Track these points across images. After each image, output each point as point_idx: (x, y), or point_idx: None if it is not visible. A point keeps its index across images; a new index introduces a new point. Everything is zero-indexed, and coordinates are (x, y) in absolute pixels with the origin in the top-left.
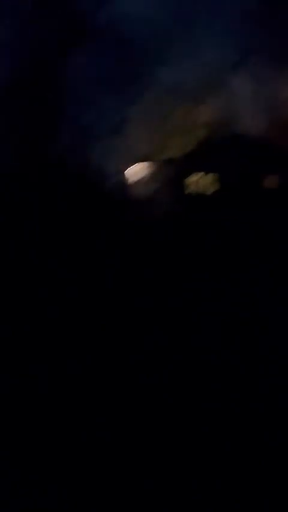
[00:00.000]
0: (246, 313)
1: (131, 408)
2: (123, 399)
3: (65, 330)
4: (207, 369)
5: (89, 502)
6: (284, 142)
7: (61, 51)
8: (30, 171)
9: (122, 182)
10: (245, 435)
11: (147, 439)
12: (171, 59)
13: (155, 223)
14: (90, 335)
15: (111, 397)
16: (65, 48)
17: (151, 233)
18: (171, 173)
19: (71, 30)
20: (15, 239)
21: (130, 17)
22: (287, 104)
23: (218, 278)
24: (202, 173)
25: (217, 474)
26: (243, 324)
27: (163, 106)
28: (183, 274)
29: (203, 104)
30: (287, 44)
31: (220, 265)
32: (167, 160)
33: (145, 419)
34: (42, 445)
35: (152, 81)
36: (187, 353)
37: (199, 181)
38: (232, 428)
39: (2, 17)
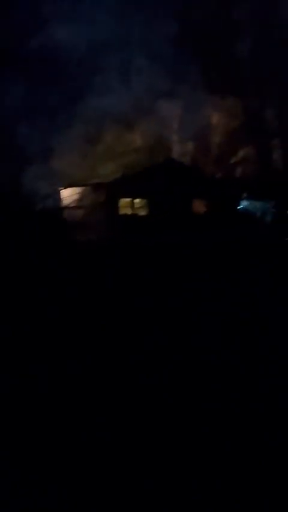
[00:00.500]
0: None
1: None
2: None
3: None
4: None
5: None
6: (210, 167)
7: None
8: None
9: (54, 206)
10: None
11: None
12: (102, 85)
13: (87, 245)
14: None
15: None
16: None
17: (83, 254)
18: (103, 196)
19: (2, 56)
20: None
21: (61, 44)
22: (212, 131)
23: (145, 296)
24: (134, 196)
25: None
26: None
27: (94, 131)
28: (111, 292)
29: (134, 129)
30: (214, 73)
31: (149, 284)
32: (98, 184)
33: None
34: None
35: (83, 107)
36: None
37: (131, 204)
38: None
39: None
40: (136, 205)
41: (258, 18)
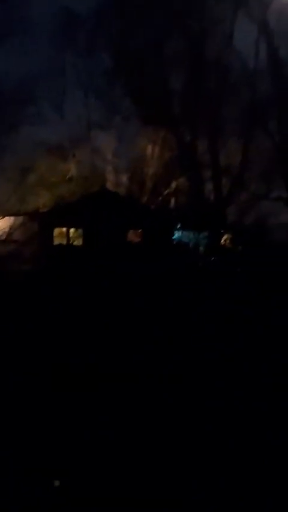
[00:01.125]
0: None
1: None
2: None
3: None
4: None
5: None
6: (145, 198)
7: None
8: None
9: None
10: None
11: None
12: (36, 115)
13: (20, 276)
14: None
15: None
16: None
17: (17, 284)
18: (37, 226)
19: None
20: None
21: None
22: (146, 162)
23: (80, 325)
24: (68, 226)
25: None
26: None
27: (28, 161)
28: (45, 322)
29: (68, 159)
30: (148, 106)
31: (83, 312)
32: (32, 214)
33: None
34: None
35: (17, 136)
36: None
37: (65, 234)
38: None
39: None
40: (71, 235)
41: (190, 53)
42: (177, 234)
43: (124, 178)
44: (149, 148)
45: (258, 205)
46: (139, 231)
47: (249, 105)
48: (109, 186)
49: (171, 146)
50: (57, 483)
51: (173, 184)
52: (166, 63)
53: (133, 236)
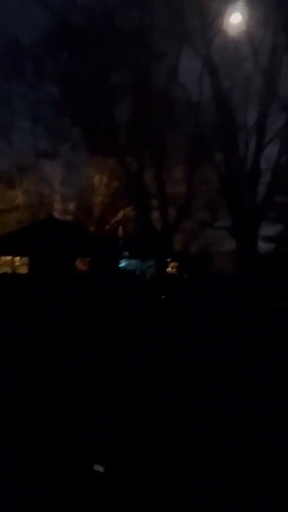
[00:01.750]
0: None
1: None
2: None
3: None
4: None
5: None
6: (92, 226)
7: None
8: None
9: None
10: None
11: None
12: None
13: None
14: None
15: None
16: None
17: None
18: None
19: None
20: None
21: None
22: (94, 191)
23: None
24: (15, 254)
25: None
26: None
27: None
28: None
29: (16, 187)
30: (95, 135)
31: (30, 341)
32: None
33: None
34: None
35: None
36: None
37: (12, 262)
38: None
39: None
40: (17, 263)
41: (137, 85)
42: (124, 262)
43: (72, 207)
44: (97, 178)
45: (203, 233)
46: (86, 259)
47: (194, 136)
48: (56, 214)
49: (119, 175)
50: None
51: (121, 213)
52: (113, 94)
53: (80, 264)
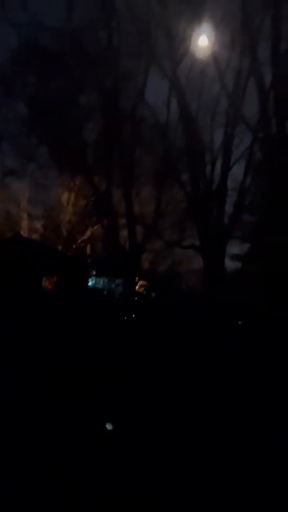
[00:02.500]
0: None
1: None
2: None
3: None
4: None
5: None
6: (60, 245)
7: None
8: None
9: None
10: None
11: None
12: None
13: None
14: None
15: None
16: None
17: None
18: None
19: None
20: None
21: None
22: (62, 209)
23: None
24: None
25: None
26: None
27: None
28: None
29: None
30: (63, 154)
31: None
32: None
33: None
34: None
35: None
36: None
37: None
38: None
39: None
40: None
41: (105, 104)
42: (92, 281)
43: (39, 225)
44: (65, 196)
45: (171, 252)
46: (53, 277)
47: (162, 156)
48: (23, 232)
49: (87, 194)
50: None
51: (89, 232)
52: (81, 113)
53: (47, 283)
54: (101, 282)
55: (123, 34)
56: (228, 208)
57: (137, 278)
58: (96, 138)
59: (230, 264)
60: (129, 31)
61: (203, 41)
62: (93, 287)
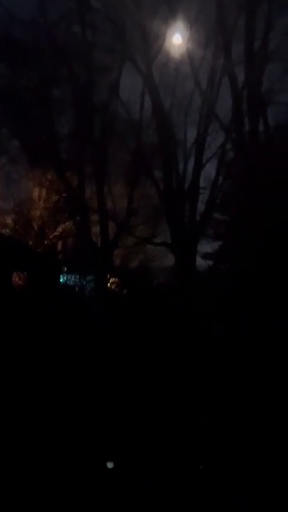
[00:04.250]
0: None
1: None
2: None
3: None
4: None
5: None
6: (31, 240)
7: None
8: None
9: None
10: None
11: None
12: None
13: None
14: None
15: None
16: None
17: None
18: None
19: None
20: None
21: None
22: (33, 204)
23: None
24: None
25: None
26: None
27: None
28: None
29: None
30: (35, 149)
31: None
32: None
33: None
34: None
35: None
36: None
37: None
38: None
39: None
40: None
41: (77, 100)
42: (63, 278)
43: (10, 220)
44: (36, 191)
45: (143, 249)
46: (24, 273)
47: (135, 152)
48: None
49: (59, 190)
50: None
51: (60, 228)
52: (54, 108)
53: (17, 279)
54: (72, 279)
55: (97, 29)
56: (200, 206)
57: (108, 275)
58: (69, 132)
59: (201, 263)
60: (104, 27)
61: (178, 39)
62: (65, 283)
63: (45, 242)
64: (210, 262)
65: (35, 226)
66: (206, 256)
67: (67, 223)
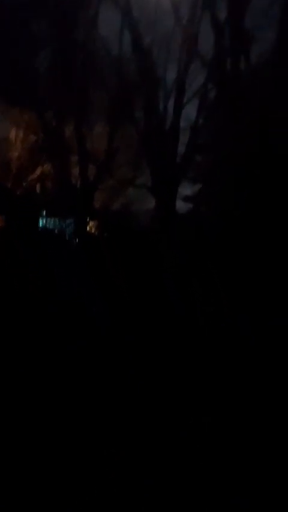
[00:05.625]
0: None
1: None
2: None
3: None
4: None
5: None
6: (9, 182)
7: None
8: None
9: None
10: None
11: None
12: None
13: None
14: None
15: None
16: None
17: None
18: None
19: None
20: None
21: None
22: (10, 145)
23: None
24: None
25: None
26: None
27: None
28: None
29: None
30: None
31: None
32: None
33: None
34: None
35: None
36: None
37: None
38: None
39: None
40: None
41: (57, 35)
42: (42, 221)
43: None
44: (14, 131)
45: (124, 192)
46: (2, 216)
47: (115, 92)
48: None
49: (37, 130)
50: None
51: (39, 170)
52: (33, 44)
53: None
54: (51, 222)
55: None
56: (181, 148)
57: (88, 218)
58: (48, 70)
59: (182, 206)
60: None
61: None
62: (44, 226)
63: (24, 184)
64: (191, 205)
65: (13, 169)
66: (186, 198)
67: (46, 165)
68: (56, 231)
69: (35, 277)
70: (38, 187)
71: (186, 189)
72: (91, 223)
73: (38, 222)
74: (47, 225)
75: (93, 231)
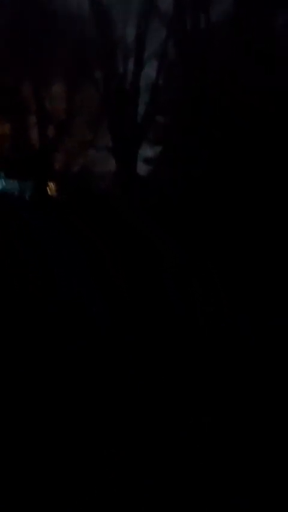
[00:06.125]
0: None
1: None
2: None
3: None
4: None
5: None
6: None
7: None
8: None
9: None
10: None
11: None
12: None
13: None
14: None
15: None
16: None
17: None
18: None
19: None
20: None
21: None
22: None
23: None
24: None
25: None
26: None
27: None
28: None
29: None
30: None
31: None
32: None
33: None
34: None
35: None
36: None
37: None
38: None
39: None
40: None
41: None
42: (1, 183)
43: None
44: None
45: (84, 153)
46: None
47: (74, 51)
48: None
49: None
50: None
51: None
52: None
53: None
54: (10, 184)
55: None
56: (142, 109)
57: (48, 180)
58: (4, 29)
59: (143, 168)
60: None
61: None
62: (3, 188)
63: None
64: (152, 167)
65: None
66: (147, 160)
67: (3, 126)
68: (15, 193)
69: None
70: None
71: (147, 151)
72: (51, 186)
73: None
74: (6, 187)
75: (53, 193)
